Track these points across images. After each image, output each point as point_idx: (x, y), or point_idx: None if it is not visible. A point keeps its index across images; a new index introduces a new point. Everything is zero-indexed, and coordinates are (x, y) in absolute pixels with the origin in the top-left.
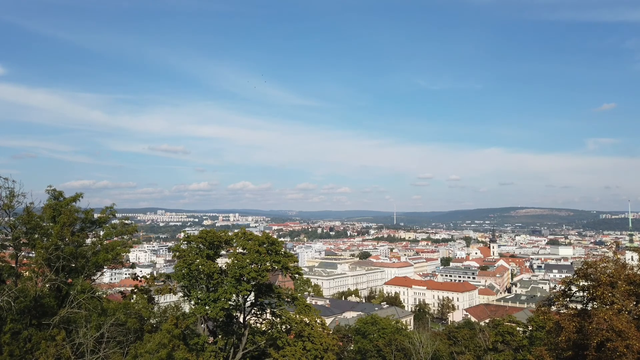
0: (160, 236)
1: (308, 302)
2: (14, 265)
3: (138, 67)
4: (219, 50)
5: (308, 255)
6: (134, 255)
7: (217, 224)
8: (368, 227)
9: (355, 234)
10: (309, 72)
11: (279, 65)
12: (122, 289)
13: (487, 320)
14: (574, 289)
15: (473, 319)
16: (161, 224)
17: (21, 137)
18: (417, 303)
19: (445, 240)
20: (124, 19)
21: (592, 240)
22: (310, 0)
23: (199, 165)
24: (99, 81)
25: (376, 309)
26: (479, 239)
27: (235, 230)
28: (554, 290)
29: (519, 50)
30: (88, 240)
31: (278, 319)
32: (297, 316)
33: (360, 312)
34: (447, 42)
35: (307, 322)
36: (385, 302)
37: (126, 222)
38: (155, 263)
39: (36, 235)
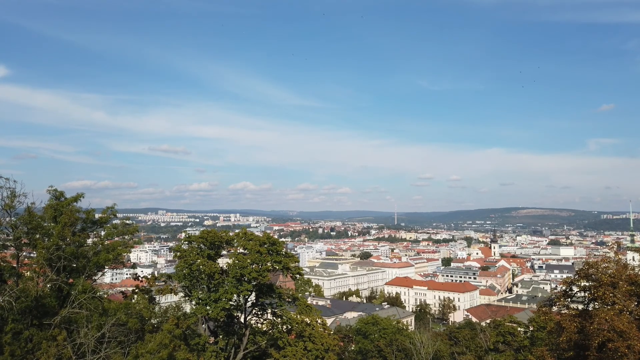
0: (161, 236)
1: (309, 302)
2: (15, 265)
3: (140, 68)
4: (220, 51)
5: (309, 255)
6: (135, 255)
7: (218, 224)
8: (369, 227)
9: (356, 234)
10: (310, 72)
11: (281, 65)
12: (123, 289)
13: (488, 321)
14: (575, 289)
15: (474, 320)
16: (162, 224)
17: (23, 138)
18: (418, 303)
19: (446, 241)
20: (126, 20)
21: (593, 241)
22: (311, 0)
23: (200, 166)
24: (102, 82)
25: (377, 309)
26: (480, 239)
27: (236, 231)
28: (555, 291)
29: (520, 51)
30: (89, 241)
31: (279, 319)
32: (298, 316)
33: (361, 313)
34: (449, 43)
35: (308, 322)
36: (386, 303)
37: (127, 222)
38: (156, 263)
39: (37, 236)
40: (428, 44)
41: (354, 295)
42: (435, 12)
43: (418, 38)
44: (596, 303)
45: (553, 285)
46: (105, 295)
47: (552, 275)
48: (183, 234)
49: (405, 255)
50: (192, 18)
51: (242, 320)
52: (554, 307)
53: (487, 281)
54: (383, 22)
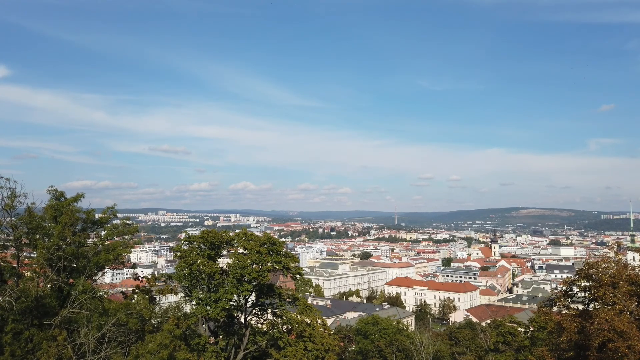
0: (162, 236)
1: (309, 302)
2: (15, 265)
3: (141, 68)
4: (221, 51)
5: (309, 255)
6: (135, 255)
7: (218, 225)
8: (369, 227)
9: (356, 234)
10: (311, 72)
11: (281, 65)
12: (123, 289)
13: (488, 321)
14: (575, 289)
15: (474, 320)
16: (162, 224)
17: (23, 138)
18: (418, 303)
19: (446, 241)
20: (127, 20)
21: (594, 241)
22: (312, 1)
23: (200, 166)
24: (102, 82)
25: (377, 309)
26: (480, 239)
27: (237, 231)
28: (556, 291)
29: (520, 51)
30: (89, 241)
31: (279, 319)
32: (298, 316)
33: (361, 313)
34: (449, 43)
35: (308, 322)
36: (386, 303)
37: (127, 222)
38: (157, 263)
39: (37, 236)
40: (428, 44)
41: (354, 296)
42: (435, 12)
43: (418, 38)
44: (596, 303)
45: (553, 286)
46: (106, 296)
47: (553, 276)
48: (183, 234)
49: (406, 255)
50: (192, 18)
51: (242, 320)
52: (554, 307)
53: (487, 281)
54: (383, 22)
